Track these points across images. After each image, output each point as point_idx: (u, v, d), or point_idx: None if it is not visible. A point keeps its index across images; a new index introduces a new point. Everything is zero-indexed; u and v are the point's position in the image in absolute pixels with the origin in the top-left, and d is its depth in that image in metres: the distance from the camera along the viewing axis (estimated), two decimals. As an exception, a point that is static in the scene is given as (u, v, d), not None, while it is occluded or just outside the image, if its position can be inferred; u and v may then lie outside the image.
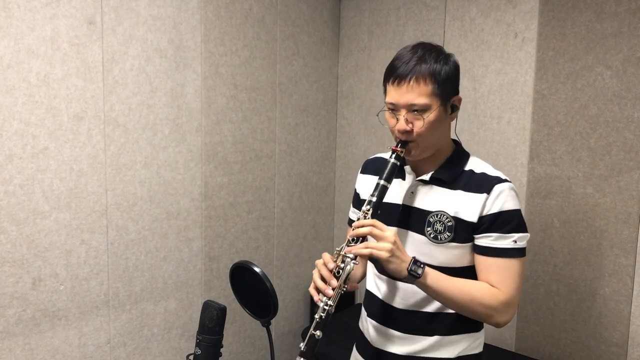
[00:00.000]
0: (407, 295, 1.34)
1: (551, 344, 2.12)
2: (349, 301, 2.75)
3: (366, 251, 1.17)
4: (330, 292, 1.17)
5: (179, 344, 2.15)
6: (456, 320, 1.32)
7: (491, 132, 2.22)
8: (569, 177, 2.03)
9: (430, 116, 1.21)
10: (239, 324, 2.38)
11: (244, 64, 2.26)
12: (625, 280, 1.92)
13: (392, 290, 1.37)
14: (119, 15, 1.81)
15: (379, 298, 1.41)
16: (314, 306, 2.71)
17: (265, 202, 2.44)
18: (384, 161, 1.29)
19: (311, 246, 2.74)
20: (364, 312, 1.49)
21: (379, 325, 1.40)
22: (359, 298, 2.77)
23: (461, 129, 2.29)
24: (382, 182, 1.24)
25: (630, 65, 1.86)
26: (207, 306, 1.24)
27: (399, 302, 1.36)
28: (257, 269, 1.24)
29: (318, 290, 1.20)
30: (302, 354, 1.19)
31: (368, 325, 1.44)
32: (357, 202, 1.49)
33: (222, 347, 1.26)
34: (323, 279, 1.20)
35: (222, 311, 1.23)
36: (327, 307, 1.17)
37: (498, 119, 2.20)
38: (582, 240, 2.01)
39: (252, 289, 1.27)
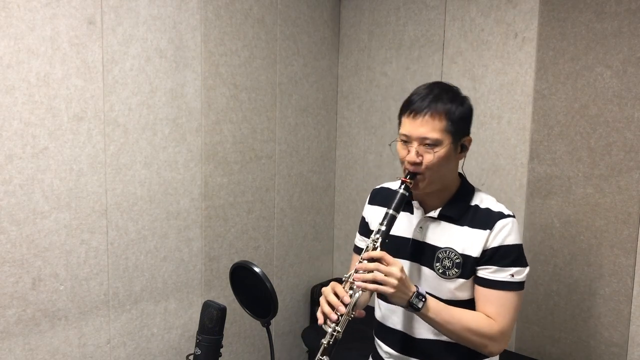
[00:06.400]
0: (424, 323, 1.36)
1: (551, 344, 2.12)
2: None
3: (372, 286, 1.20)
4: (334, 316, 1.20)
5: (179, 344, 2.15)
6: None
7: (491, 132, 2.22)
8: (569, 177, 2.03)
9: (440, 151, 1.25)
10: (239, 324, 2.38)
11: (244, 64, 2.26)
12: (625, 280, 1.92)
13: (409, 319, 1.41)
14: (119, 15, 1.81)
15: (393, 328, 1.44)
16: (314, 306, 2.73)
17: (265, 202, 2.44)
18: (392, 192, 1.33)
19: (311, 246, 2.74)
20: (377, 340, 1.52)
21: (398, 354, 1.44)
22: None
23: (461, 129, 2.29)
24: (391, 211, 1.27)
25: (630, 65, 1.86)
26: (207, 306, 1.25)
27: (416, 332, 1.39)
28: (257, 269, 1.25)
29: (325, 316, 1.23)
30: None
31: (384, 352, 1.48)
32: (365, 230, 1.51)
33: (222, 347, 1.26)
34: (330, 305, 1.23)
35: (222, 311, 1.24)
36: (335, 334, 1.21)
37: (498, 119, 2.20)
38: (582, 240, 2.01)
39: (252, 289, 1.27)
